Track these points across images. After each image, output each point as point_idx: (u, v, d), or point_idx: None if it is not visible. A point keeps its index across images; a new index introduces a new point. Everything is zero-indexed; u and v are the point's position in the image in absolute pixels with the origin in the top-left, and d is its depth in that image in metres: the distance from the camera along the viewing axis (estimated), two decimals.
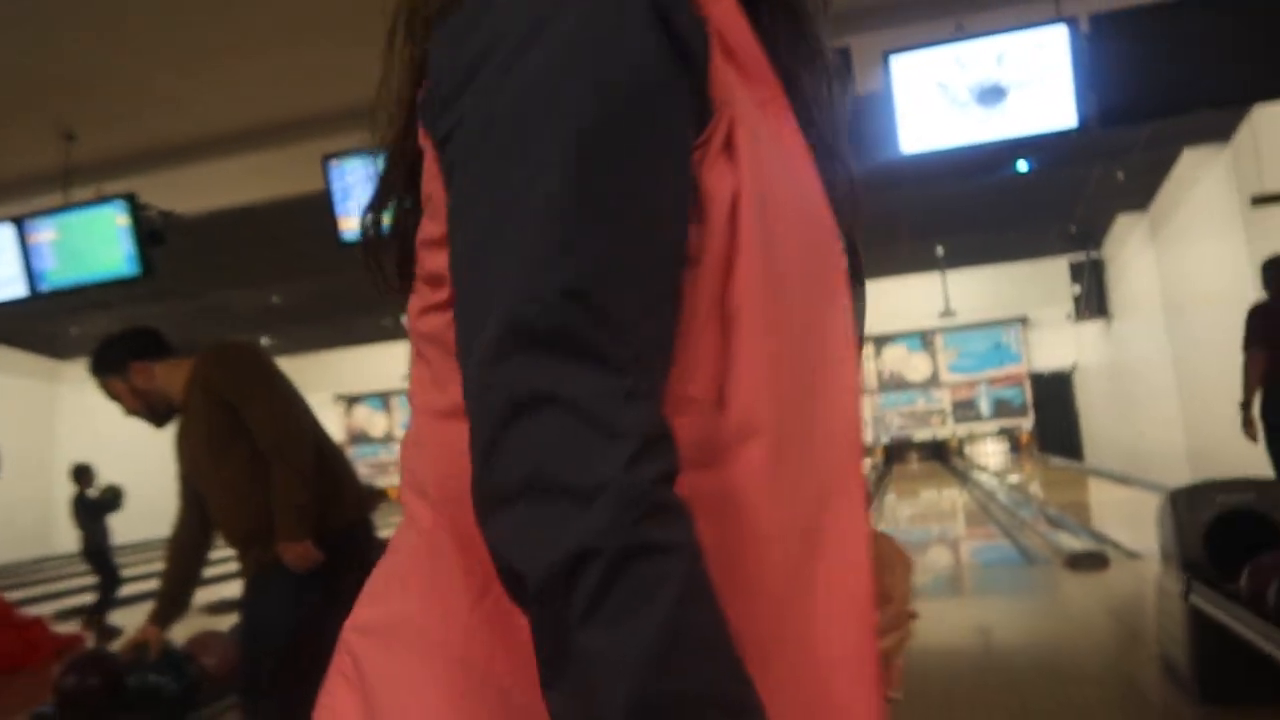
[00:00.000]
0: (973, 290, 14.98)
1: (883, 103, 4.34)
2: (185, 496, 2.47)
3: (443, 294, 0.56)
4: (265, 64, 4.95)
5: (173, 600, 2.51)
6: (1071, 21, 4.11)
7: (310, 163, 5.01)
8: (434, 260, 0.56)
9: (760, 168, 0.53)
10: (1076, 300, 13.27)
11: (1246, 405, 4.89)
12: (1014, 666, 3.71)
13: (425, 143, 0.55)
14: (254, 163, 5.55)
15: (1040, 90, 4.12)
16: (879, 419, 16.85)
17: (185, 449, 2.44)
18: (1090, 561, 5.34)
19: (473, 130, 0.50)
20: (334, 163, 4.98)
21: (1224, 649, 2.57)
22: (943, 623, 4.77)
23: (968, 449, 16.50)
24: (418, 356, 0.60)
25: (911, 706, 2.93)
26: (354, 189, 4.95)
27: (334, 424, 17.41)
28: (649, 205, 0.49)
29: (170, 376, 2.44)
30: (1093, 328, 13.83)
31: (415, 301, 0.60)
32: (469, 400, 0.47)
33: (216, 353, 2.42)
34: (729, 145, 0.52)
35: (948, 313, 14.29)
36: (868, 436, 16.55)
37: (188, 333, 9.04)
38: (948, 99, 4.22)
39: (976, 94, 4.19)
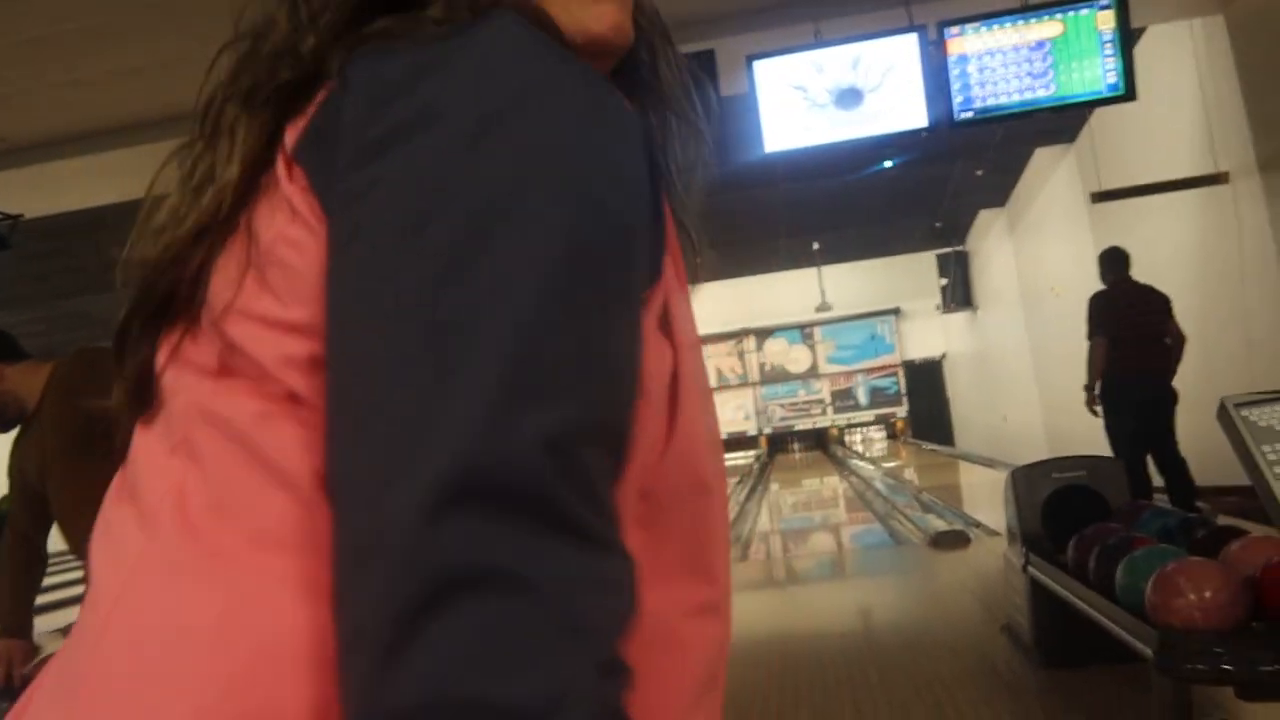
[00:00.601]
0: (848, 284, 15.50)
1: (747, 104, 4.48)
2: (18, 505, 2.38)
3: (267, 383, 0.43)
4: (117, 60, 4.76)
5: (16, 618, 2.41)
6: (921, 29, 4.33)
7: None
8: (268, 345, 0.43)
9: (688, 344, 0.48)
10: (944, 292, 13.89)
11: (1090, 388, 5.26)
12: (880, 643, 3.90)
13: (290, 183, 0.44)
14: (103, 162, 5.32)
15: (893, 93, 4.33)
16: (761, 411, 17.26)
17: (31, 456, 2.34)
18: (952, 540, 5.63)
19: (403, 209, 0.39)
20: None
21: (1059, 616, 2.76)
22: (822, 605, 4.97)
23: (847, 437, 17.07)
24: (180, 446, 0.45)
25: (784, 686, 3.04)
26: None
27: None
28: (627, 357, 0.41)
29: (24, 380, 2.34)
30: (960, 318, 14.50)
31: (190, 379, 0.46)
32: (358, 563, 0.35)
33: (89, 357, 2.33)
34: (665, 316, 0.46)
35: (824, 306, 14.74)
36: (752, 428, 16.94)
37: (43, 340, 8.58)
38: (808, 101, 4.38)
39: (835, 96, 4.36)
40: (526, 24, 0.44)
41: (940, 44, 4.31)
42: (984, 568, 4.86)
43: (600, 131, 0.42)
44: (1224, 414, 1.74)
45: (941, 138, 4.99)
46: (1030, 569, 2.93)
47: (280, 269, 0.43)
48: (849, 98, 4.35)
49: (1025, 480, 3.15)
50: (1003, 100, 4.30)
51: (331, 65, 0.46)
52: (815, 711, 3.05)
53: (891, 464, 14.22)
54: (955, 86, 4.30)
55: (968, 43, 4.28)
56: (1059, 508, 3.04)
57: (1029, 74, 4.23)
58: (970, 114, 4.31)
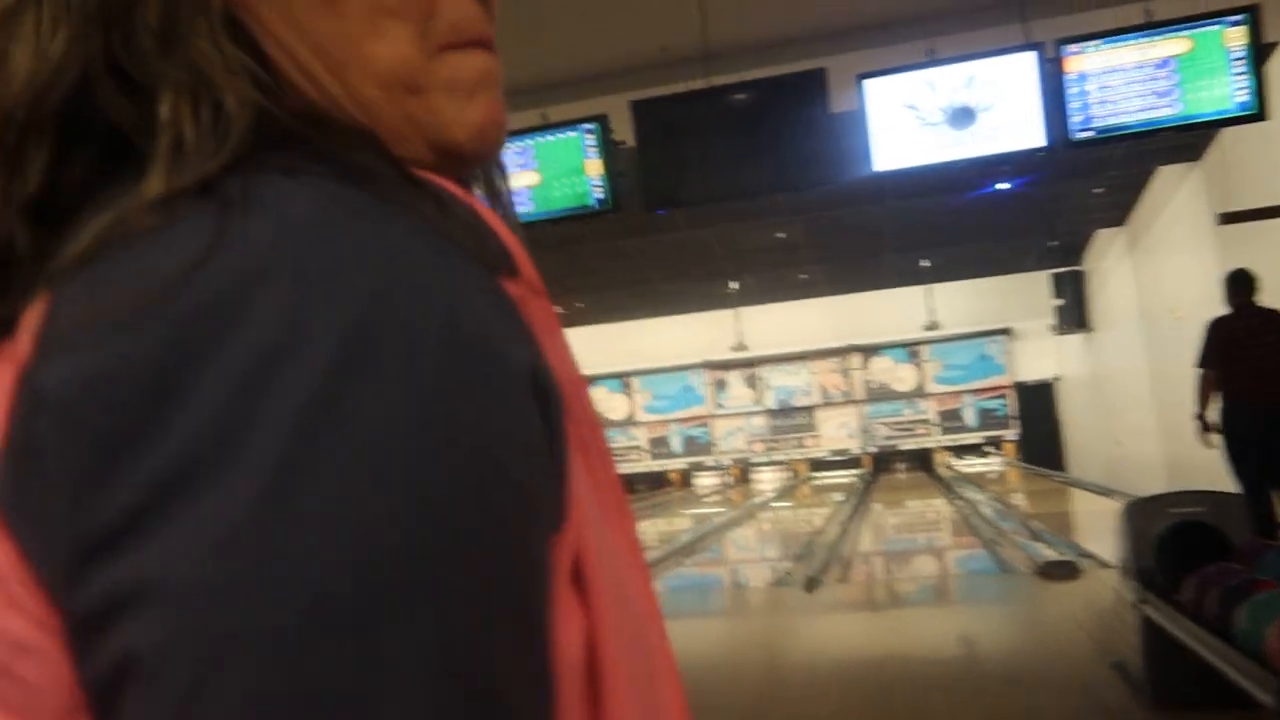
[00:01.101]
0: (958, 302, 15.13)
1: (856, 122, 4.46)
2: None
3: None
4: None
5: None
6: (1038, 47, 4.24)
7: None
8: None
9: (612, 597, 0.33)
10: (1058, 312, 13.42)
11: (1199, 417, 5.05)
12: (982, 674, 3.81)
13: None
14: None
15: (1008, 112, 4.25)
16: (866, 429, 16.97)
17: None
18: (1062, 571, 5.45)
19: (213, 617, 0.25)
20: None
21: (1173, 655, 2.66)
22: (923, 631, 4.88)
23: (953, 459, 16.64)
24: None
25: (879, 712, 3.03)
26: None
27: None
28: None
29: None
30: (1074, 340, 13.98)
31: None
32: None
33: None
34: (578, 573, 0.31)
35: (933, 324, 14.43)
36: (855, 446, 16.64)
37: None
38: (919, 119, 4.34)
39: (948, 115, 4.31)
40: (324, 195, 0.29)
41: (1058, 62, 4.21)
42: (1095, 601, 4.70)
43: (462, 381, 0.27)
44: None
45: (1059, 158, 4.87)
46: (1144, 606, 2.83)
47: (11, 683, 0.27)
48: (962, 117, 4.29)
49: (1141, 514, 3.05)
50: (1124, 119, 4.18)
51: (15, 305, 0.29)
52: None
53: (998, 488, 13.80)
54: (1074, 105, 4.19)
55: (1088, 60, 4.17)
56: (1176, 543, 2.94)
57: (1153, 92, 4.09)
58: (1089, 133, 4.20)
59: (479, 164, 0.40)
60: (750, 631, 5.21)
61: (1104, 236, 11.76)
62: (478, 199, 0.39)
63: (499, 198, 0.43)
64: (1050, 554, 6.22)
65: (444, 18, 0.36)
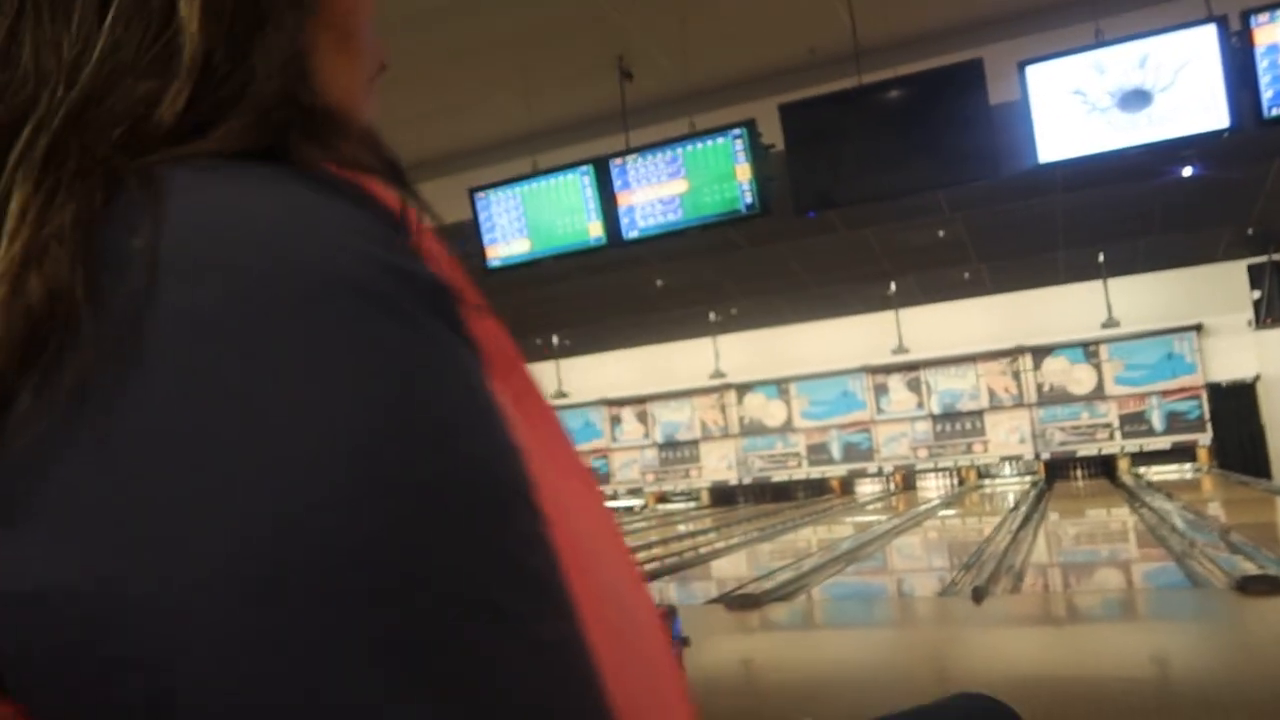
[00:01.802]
0: (1140, 298, 14.17)
1: (1019, 112, 4.27)
2: None
3: None
4: (413, 101, 5.31)
5: None
6: (1221, 20, 3.93)
7: (457, 195, 5.33)
8: None
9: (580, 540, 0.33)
10: (1256, 305, 12.37)
11: None
12: (1172, 694, 3.55)
13: None
14: None
15: (1188, 92, 3.96)
16: (1039, 434, 16.13)
17: None
18: (1264, 586, 5.01)
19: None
20: (480, 194, 5.28)
21: None
22: (1105, 647, 4.59)
23: (1138, 465, 15.57)
24: None
25: None
26: (497, 219, 5.23)
27: None
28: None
29: None
30: (1276, 335, 12.84)
31: None
32: None
33: None
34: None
35: (1111, 322, 13.56)
36: (1028, 451, 15.86)
37: None
38: (1087, 105, 4.10)
39: (1118, 99, 4.05)
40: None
41: (1245, 34, 3.89)
42: None
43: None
44: None
45: (1249, 139, 4.50)
46: None
47: None
48: (1135, 100, 4.03)
49: None
50: None
51: None
52: None
53: (1191, 497, 12.82)
54: (1264, 80, 3.86)
55: (1279, 31, 3.84)
56: None
57: None
58: None
59: None
60: (917, 643, 5.05)
61: None
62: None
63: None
64: (1251, 568, 5.72)
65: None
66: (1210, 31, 3.92)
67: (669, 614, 3.85)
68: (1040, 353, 16.00)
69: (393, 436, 0.28)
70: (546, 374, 16.28)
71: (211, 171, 0.32)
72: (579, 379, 16.88)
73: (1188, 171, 5.88)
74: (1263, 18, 3.84)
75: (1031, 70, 4.17)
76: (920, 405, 16.73)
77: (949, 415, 16.59)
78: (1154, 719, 3.16)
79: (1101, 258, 12.14)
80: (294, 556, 0.26)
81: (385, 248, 0.32)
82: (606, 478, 18.75)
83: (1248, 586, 5.06)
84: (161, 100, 0.33)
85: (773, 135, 4.69)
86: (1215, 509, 11.78)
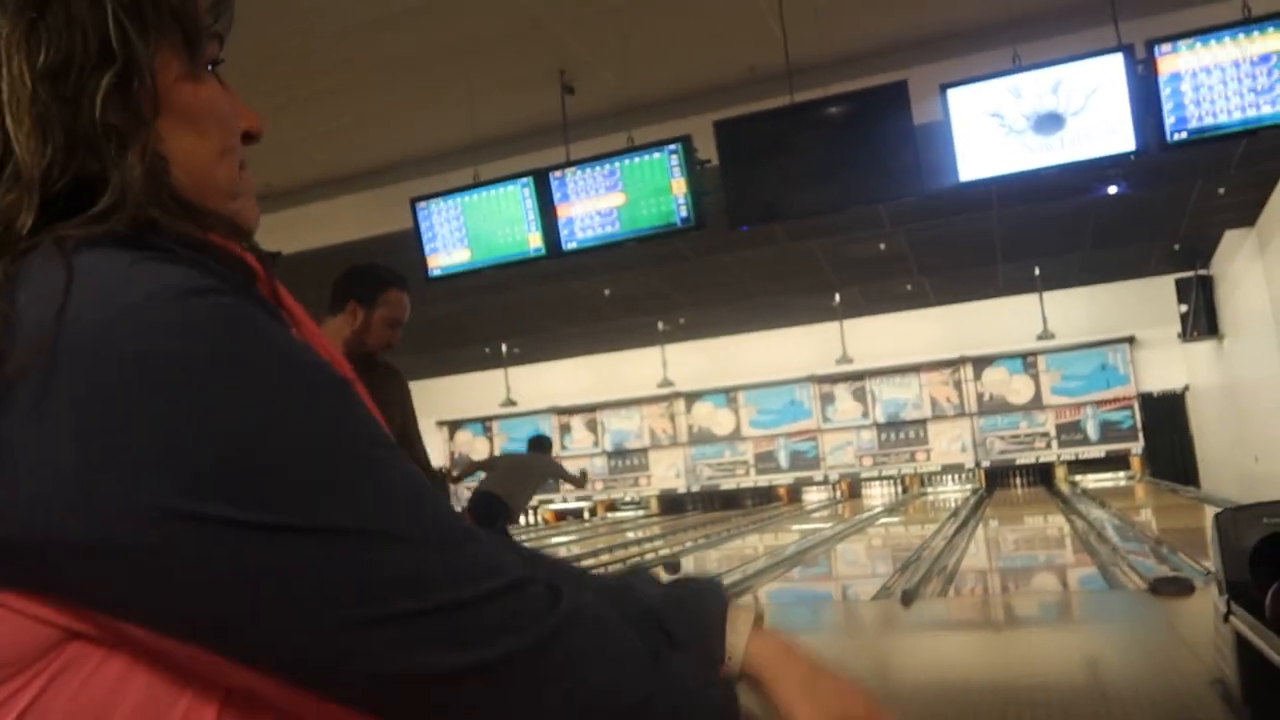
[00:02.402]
0: (1075, 311, 14.58)
1: (941, 132, 4.44)
2: None
3: None
4: (355, 109, 5.35)
5: None
6: (1128, 49, 4.14)
7: (399, 204, 5.39)
8: None
9: None
10: (1184, 319, 12.79)
11: None
12: (1072, 689, 3.72)
13: None
14: (346, 204, 5.97)
15: (1098, 116, 4.16)
16: (980, 443, 16.50)
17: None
18: (1174, 588, 5.23)
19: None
20: (421, 204, 5.34)
21: (1267, 672, 2.57)
22: (1024, 650, 4.77)
23: (1073, 474, 15.99)
24: None
25: None
26: (438, 228, 5.30)
27: (437, 448, 18.05)
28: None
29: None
30: (1204, 347, 13.29)
31: None
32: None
33: None
34: None
35: (1047, 334, 13.93)
36: (969, 460, 16.14)
37: None
38: (1004, 128, 4.29)
39: (1033, 122, 4.25)
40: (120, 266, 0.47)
41: (1150, 62, 4.11)
42: (1208, 619, 4.51)
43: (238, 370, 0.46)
44: None
45: (1166, 160, 4.72)
46: (1232, 619, 2.74)
47: None
48: (1048, 123, 4.22)
49: (1232, 524, 2.95)
50: (1222, 119, 4.04)
51: None
52: None
53: (1124, 504, 13.21)
54: (1167, 107, 4.08)
55: (1181, 60, 4.05)
56: (1270, 555, 2.83)
57: (1252, 90, 3.95)
58: (1184, 135, 4.07)
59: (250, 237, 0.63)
60: (859, 647, 5.18)
61: (1232, 238, 11.16)
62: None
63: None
64: (1165, 572, 5.96)
65: (240, 151, 0.62)
66: (1118, 60, 4.13)
67: None
68: (981, 363, 16.38)
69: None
70: (495, 382, 16.29)
71: (82, 250, 0.47)
72: (528, 387, 16.90)
73: (1113, 190, 6.14)
74: (1166, 47, 4.06)
75: (953, 93, 4.35)
76: (865, 414, 17.02)
77: (893, 424, 16.90)
78: (1056, 715, 3.31)
79: (1038, 271, 12.47)
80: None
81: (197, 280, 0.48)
82: (555, 486, 18.76)
83: (1160, 589, 5.29)
84: (20, 209, 0.48)
85: (709, 151, 4.82)
86: (1146, 515, 12.15)
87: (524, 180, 5.11)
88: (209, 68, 0.59)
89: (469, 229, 5.21)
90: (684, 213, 4.78)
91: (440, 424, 18.79)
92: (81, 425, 0.43)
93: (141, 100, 0.52)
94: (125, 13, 0.52)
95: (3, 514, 0.43)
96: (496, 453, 17.69)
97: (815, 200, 4.70)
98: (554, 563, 0.79)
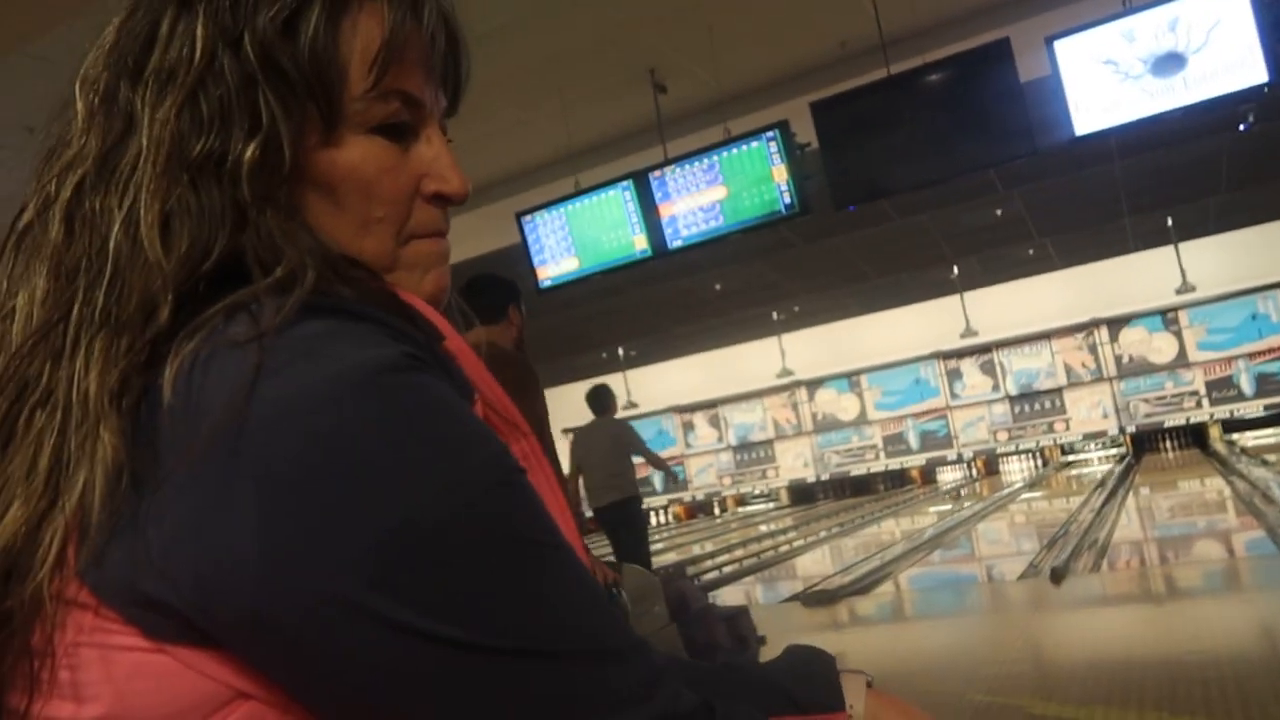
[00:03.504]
0: (1216, 259, 13.70)
1: (1052, 87, 4.24)
2: None
3: None
4: (457, 133, 5.48)
5: None
6: None
7: (505, 218, 5.50)
8: None
9: None
10: None
11: None
12: (1238, 657, 3.49)
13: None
14: (454, 224, 6.11)
15: (1222, 50, 3.90)
16: (1123, 408, 15.69)
17: None
18: None
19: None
20: (526, 217, 5.43)
21: None
22: (1196, 622, 4.51)
23: (1229, 433, 15.02)
24: None
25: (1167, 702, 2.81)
26: (545, 240, 5.38)
27: (564, 453, 18.32)
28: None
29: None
30: None
31: None
32: None
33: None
34: None
35: (1186, 287, 13.14)
36: (1112, 426, 15.40)
37: None
38: (1120, 75, 4.07)
39: (1151, 65, 4.01)
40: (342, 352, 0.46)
41: None
42: None
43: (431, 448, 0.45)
44: None
45: None
46: None
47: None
48: (1168, 64, 3.98)
49: None
50: None
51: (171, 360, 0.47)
52: None
53: None
54: None
55: None
56: None
57: None
58: None
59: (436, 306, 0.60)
60: (1010, 629, 5.00)
61: None
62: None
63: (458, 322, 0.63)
64: None
65: (415, 221, 0.58)
66: None
67: (739, 614, 3.90)
68: (1116, 324, 15.57)
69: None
70: (615, 386, 16.43)
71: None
72: (648, 389, 16.99)
73: (1243, 127, 5.72)
74: None
75: (1060, 44, 4.15)
76: (996, 387, 16.42)
77: (1026, 395, 16.25)
78: (1262, 686, 3.11)
79: (1170, 222, 11.78)
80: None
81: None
82: (684, 484, 18.80)
83: None
84: (159, 306, 0.48)
85: (807, 134, 4.74)
86: None
87: (624, 183, 5.13)
88: (394, 130, 0.56)
89: (574, 237, 5.27)
90: (787, 199, 4.71)
91: (566, 431, 19.06)
92: (260, 501, 0.43)
93: (280, 170, 0.51)
94: (268, 80, 0.51)
95: (186, 579, 0.44)
96: None
97: (921, 173, 4.56)
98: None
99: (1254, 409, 14.94)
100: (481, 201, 5.99)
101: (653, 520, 16.88)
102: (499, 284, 2.90)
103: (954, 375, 16.71)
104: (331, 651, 0.43)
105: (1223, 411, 15.09)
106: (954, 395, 16.72)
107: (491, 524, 0.45)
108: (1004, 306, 14.92)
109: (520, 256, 5.42)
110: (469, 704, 0.44)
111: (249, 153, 0.50)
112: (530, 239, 5.41)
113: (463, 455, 0.46)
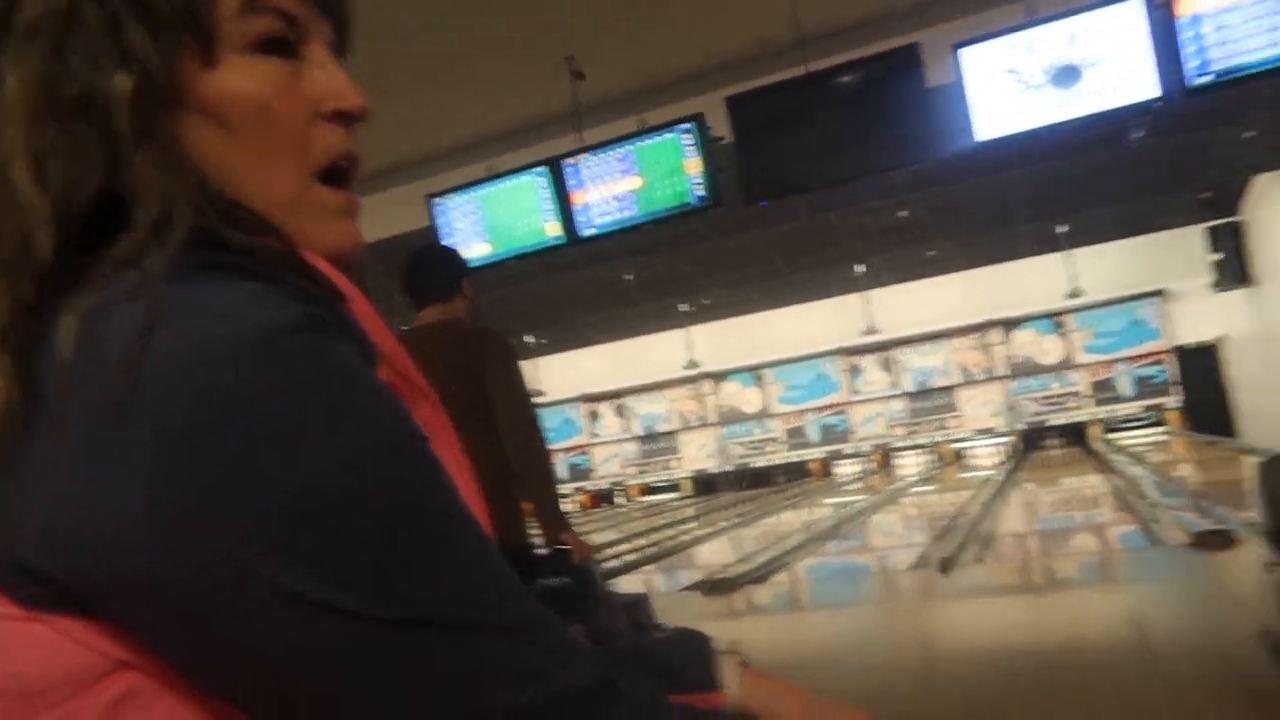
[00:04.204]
0: (1103, 267, 14.38)
1: (956, 94, 4.37)
2: None
3: None
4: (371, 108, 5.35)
5: None
6: None
7: (415, 202, 5.39)
8: None
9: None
10: (1216, 268, 12.59)
11: None
12: (1115, 646, 3.69)
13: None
14: (364, 205, 5.97)
15: (1116, 65, 4.08)
16: (1012, 406, 16.35)
17: None
18: (1217, 541, 5.16)
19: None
20: (437, 200, 5.34)
21: None
22: (1064, 610, 4.73)
23: (1109, 432, 15.81)
24: None
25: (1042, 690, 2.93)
26: (456, 223, 5.30)
27: None
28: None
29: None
30: (1237, 296, 13.07)
31: None
32: None
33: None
34: None
35: (1076, 292, 13.75)
36: (1001, 424, 15.99)
37: None
38: (1021, 84, 4.22)
39: (1050, 76, 4.17)
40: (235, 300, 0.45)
41: (1168, 6, 4.01)
42: (1254, 569, 4.45)
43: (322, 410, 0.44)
44: None
45: (1189, 106, 4.62)
46: (1277, 570, 2.70)
47: None
48: (1066, 76, 4.14)
49: (1277, 472, 2.89)
50: (1247, 59, 3.94)
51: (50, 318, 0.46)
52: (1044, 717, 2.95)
53: (1162, 459, 13.05)
54: (1188, 50, 3.98)
55: (1201, 0, 3.96)
56: None
57: (1275, 27, 3.85)
58: (1207, 78, 3.98)
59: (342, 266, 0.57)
60: (899, 618, 5.17)
61: (1263, 182, 10.96)
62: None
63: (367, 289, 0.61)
64: (1207, 525, 5.88)
65: (320, 146, 0.56)
66: (1135, 5, 4.04)
67: (638, 601, 3.93)
68: (1009, 325, 16.21)
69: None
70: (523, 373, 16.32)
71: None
72: (555, 376, 16.94)
73: (1136, 137, 6.01)
74: None
75: (965, 52, 4.28)
76: (894, 384, 16.92)
77: (923, 392, 16.79)
78: (1100, 671, 3.28)
79: (1063, 229, 12.30)
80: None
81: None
82: (588, 473, 18.82)
83: (1202, 541, 5.22)
84: (37, 245, 0.47)
85: (722, 128, 4.78)
86: (1185, 469, 12.00)
87: (539, 170, 5.10)
88: (278, 48, 0.54)
89: (487, 222, 5.21)
90: (700, 192, 4.75)
91: None
92: (154, 458, 0.41)
93: (157, 103, 0.50)
94: (135, 15, 0.49)
95: (70, 541, 0.42)
96: None
97: (831, 171, 4.65)
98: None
99: (1133, 410, 15.75)
100: (392, 183, 5.86)
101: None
102: (449, 257, 2.79)
103: (855, 371, 17.14)
104: (225, 617, 0.42)
105: (1104, 412, 15.87)
106: (854, 391, 17.16)
107: (391, 491, 0.44)
108: (905, 306, 15.37)
109: (430, 240, 5.33)
110: (368, 676, 0.43)
111: (119, 87, 0.48)
112: (441, 222, 5.32)
113: (363, 420, 0.45)
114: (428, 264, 2.77)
